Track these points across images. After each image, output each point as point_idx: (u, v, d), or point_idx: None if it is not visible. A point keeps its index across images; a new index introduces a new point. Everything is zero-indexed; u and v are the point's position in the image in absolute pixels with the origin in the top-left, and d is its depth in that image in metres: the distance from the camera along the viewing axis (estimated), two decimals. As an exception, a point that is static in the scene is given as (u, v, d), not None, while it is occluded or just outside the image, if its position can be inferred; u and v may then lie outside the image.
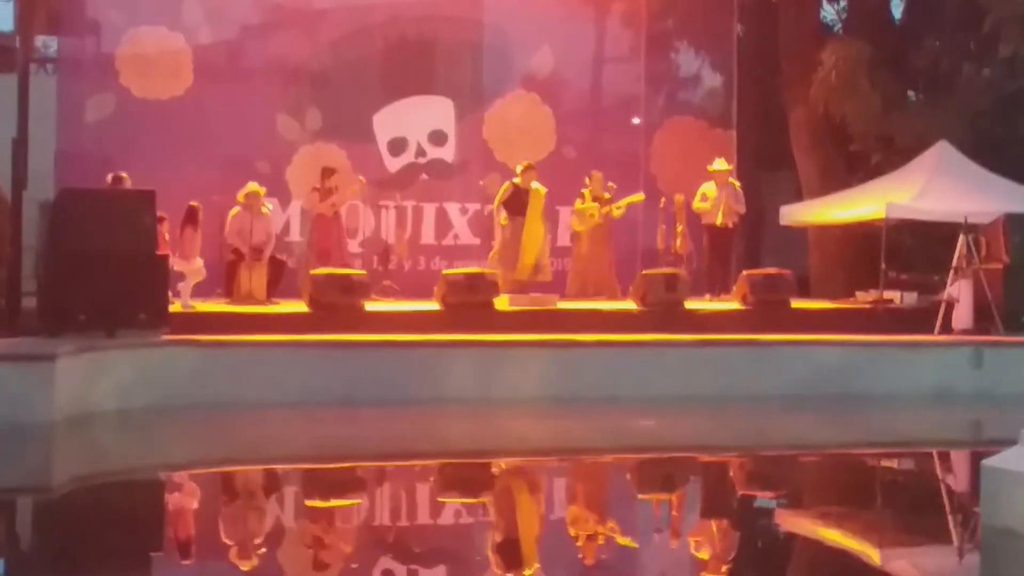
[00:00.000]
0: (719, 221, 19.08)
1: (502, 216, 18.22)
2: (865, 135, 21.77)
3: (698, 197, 19.23)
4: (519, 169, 18.00)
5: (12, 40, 19.75)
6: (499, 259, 17.97)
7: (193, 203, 17.04)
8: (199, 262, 16.84)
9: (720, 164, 19.40)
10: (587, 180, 19.36)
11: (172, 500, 11.10)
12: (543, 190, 17.86)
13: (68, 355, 13.37)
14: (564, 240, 20.35)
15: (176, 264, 16.45)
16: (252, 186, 17.61)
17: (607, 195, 19.20)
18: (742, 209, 19.39)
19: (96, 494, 10.92)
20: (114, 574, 8.31)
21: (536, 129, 20.98)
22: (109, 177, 16.62)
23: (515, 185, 17.82)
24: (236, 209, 17.48)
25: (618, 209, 19.18)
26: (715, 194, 19.12)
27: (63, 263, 14.36)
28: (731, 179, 19.49)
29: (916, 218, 18.62)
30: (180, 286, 16.46)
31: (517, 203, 17.73)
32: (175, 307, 15.77)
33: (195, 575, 8.56)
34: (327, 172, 18.39)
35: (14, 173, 15.83)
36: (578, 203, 19.37)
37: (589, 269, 19.28)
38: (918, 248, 20.59)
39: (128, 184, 16.34)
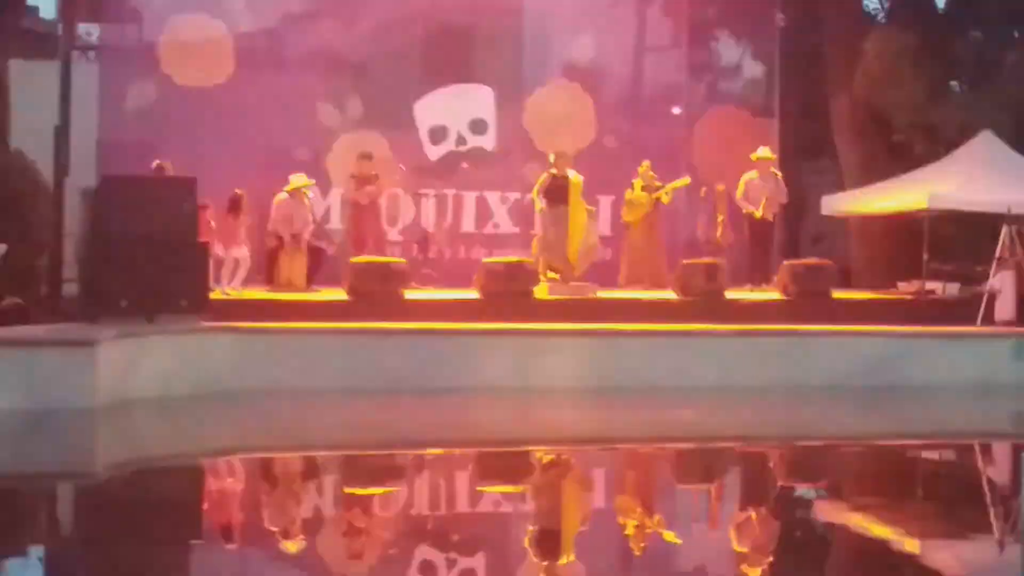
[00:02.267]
0: (759, 213, 18.97)
1: (540, 205, 18.12)
2: (908, 125, 21.62)
3: (741, 188, 19.12)
4: (552, 158, 17.94)
5: (55, 27, 19.90)
6: (542, 248, 17.89)
7: (237, 191, 17.08)
8: (244, 250, 16.88)
9: (764, 152, 19.28)
10: (638, 170, 19.30)
11: (212, 486, 11.14)
12: (580, 178, 17.80)
13: (109, 341, 13.43)
14: (604, 229, 20.28)
15: (220, 251, 16.50)
16: (301, 178, 17.59)
17: (657, 184, 19.14)
18: (784, 199, 19.29)
19: (137, 480, 10.96)
20: (156, 560, 8.33)
21: (577, 118, 20.92)
22: (153, 164, 16.67)
23: (552, 175, 17.76)
24: (282, 196, 17.49)
25: (666, 195, 19.11)
26: (758, 184, 19.01)
27: (105, 249, 14.42)
28: (773, 168, 19.37)
29: (959, 208, 18.47)
30: (223, 272, 16.51)
31: (557, 192, 17.68)
32: (216, 293, 15.82)
33: (236, 561, 8.58)
34: (362, 157, 18.38)
35: (56, 160, 15.93)
36: (628, 193, 19.31)
37: (642, 258, 19.21)
38: (961, 239, 20.42)
39: (170, 172, 16.38)
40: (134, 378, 13.74)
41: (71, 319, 14.59)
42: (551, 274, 17.48)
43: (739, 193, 19.12)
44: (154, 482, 10.90)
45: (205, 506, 10.33)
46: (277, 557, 8.60)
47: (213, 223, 16.54)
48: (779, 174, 19.46)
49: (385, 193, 18.77)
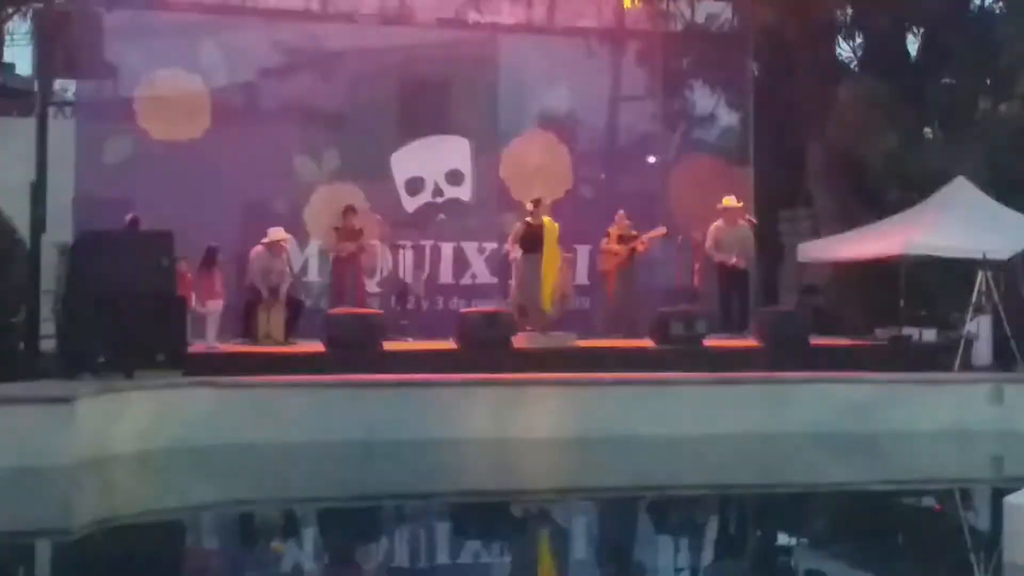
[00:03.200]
0: (731, 261, 18.99)
1: (515, 254, 18.13)
2: (882, 172, 21.72)
3: (709, 237, 19.13)
4: (529, 205, 17.99)
5: (31, 84, 19.95)
6: (519, 297, 17.90)
7: (212, 244, 17.09)
8: (219, 303, 16.87)
9: (730, 201, 19.31)
10: (615, 218, 19.36)
11: (190, 542, 11.10)
12: (555, 225, 17.83)
13: (87, 397, 13.40)
14: (582, 278, 20.33)
15: (197, 306, 16.49)
16: (279, 232, 17.62)
17: (633, 233, 19.20)
18: (750, 248, 19.26)
19: (116, 536, 10.93)
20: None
21: (553, 168, 20.97)
22: (128, 217, 16.66)
23: (527, 223, 17.80)
24: (258, 248, 17.52)
25: (642, 244, 19.17)
26: (725, 232, 19.04)
27: (82, 305, 14.41)
28: (744, 217, 19.41)
29: (935, 254, 18.54)
30: (207, 325, 16.48)
31: (531, 240, 17.71)
32: (196, 347, 15.81)
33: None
34: (349, 211, 18.43)
35: (33, 216, 15.91)
36: (604, 243, 19.37)
37: (618, 307, 19.24)
38: (937, 285, 20.50)
39: (142, 225, 16.37)
40: (112, 434, 13.70)
41: (49, 375, 14.54)
42: (530, 326, 17.47)
43: (709, 242, 19.15)
44: (132, 538, 10.85)
45: (183, 562, 10.29)
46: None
47: (188, 276, 16.52)
48: (752, 221, 19.51)
49: (367, 247, 18.78)
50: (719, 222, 19.15)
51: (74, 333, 14.45)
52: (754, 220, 19.62)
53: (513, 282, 18.34)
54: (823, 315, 20.16)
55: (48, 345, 15.36)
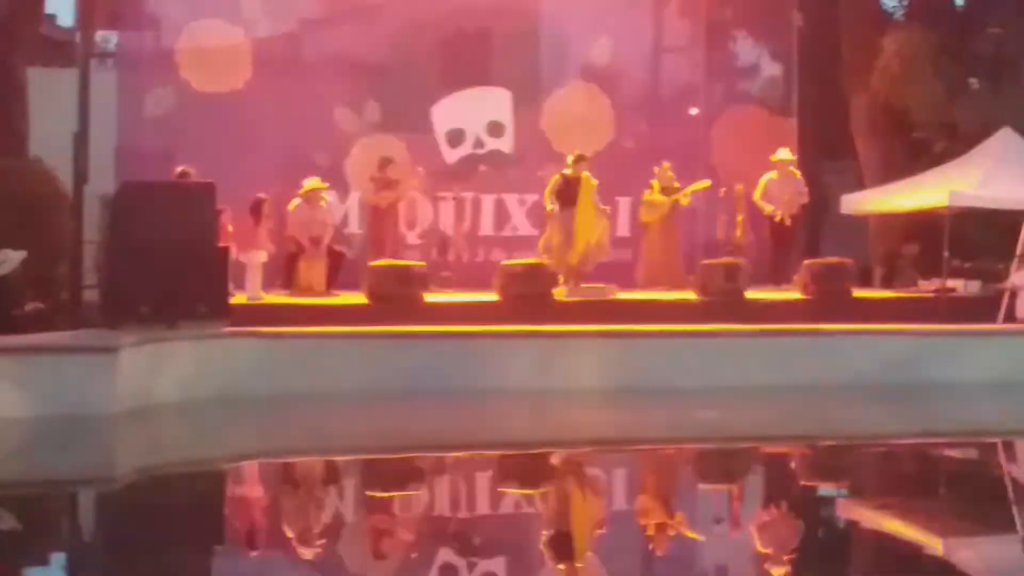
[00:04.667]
0: (780, 214, 18.94)
1: (552, 206, 18.04)
2: (927, 122, 21.56)
3: (760, 189, 19.08)
4: (570, 160, 17.90)
5: (73, 35, 19.97)
6: (550, 249, 17.82)
7: (260, 195, 17.10)
8: (264, 254, 16.89)
9: (783, 154, 19.25)
10: (655, 170, 19.27)
11: (233, 491, 11.15)
12: (593, 181, 17.74)
13: (130, 347, 13.45)
14: (623, 231, 20.27)
15: (240, 257, 16.52)
16: (314, 181, 17.64)
17: (676, 185, 19.11)
18: (805, 199, 19.26)
19: (158, 485, 10.98)
20: (177, 565, 8.34)
21: (594, 120, 20.87)
22: (177, 170, 16.69)
23: (565, 176, 17.72)
24: (296, 201, 17.54)
25: (685, 197, 19.08)
26: (777, 185, 18.98)
27: (124, 256, 14.44)
28: (793, 169, 19.34)
29: (979, 206, 18.39)
30: (248, 277, 16.51)
31: (568, 193, 17.63)
32: (239, 298, 15.85)
33: (257, 566, 8.58)
34: (384, 162, 18.42)
35: (75, 168, 15.98)
36: (646, 194, 19.29)
37: (660, 260, 19.16)
38: (981, 236, 20.34)
39: (193, 178, 16.40)
40: (155, 384, 13.76)
41: (92, 326, 14.62)
42: (562, 278, 17.39)
43: (758, 194, 19.09)
44: (175, 487, 10.92)
45: (226, 511, 10.34)
46: (298, 562, 8.60)
47: (230, 228, 16.54)
48: (799, 175, 19.42)
49: (404, 197, 18.76)
50: (771, 174, 19.07)
51: (117, 284, 14.50)
52: (798, 173, 19.50)
53: (545, 233, 18.23)
54: (863, 267, 20.09)
55: (91, 296, 15.43)
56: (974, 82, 23.23)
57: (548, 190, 17.94)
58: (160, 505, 10.22)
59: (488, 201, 20.65)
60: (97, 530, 9.83)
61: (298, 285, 17.20)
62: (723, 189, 19.83)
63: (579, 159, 17.77)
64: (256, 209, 17.01)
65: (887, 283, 20.24)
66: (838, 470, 12.29)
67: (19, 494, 10.59)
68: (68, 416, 12.65)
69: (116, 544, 9.06)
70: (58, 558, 8.84)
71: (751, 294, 17.49)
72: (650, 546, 9.20)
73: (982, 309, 17.51)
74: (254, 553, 8.92)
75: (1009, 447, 13.53)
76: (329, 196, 18.30)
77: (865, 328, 16.46)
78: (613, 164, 19.66)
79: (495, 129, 20.89)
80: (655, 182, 19.25)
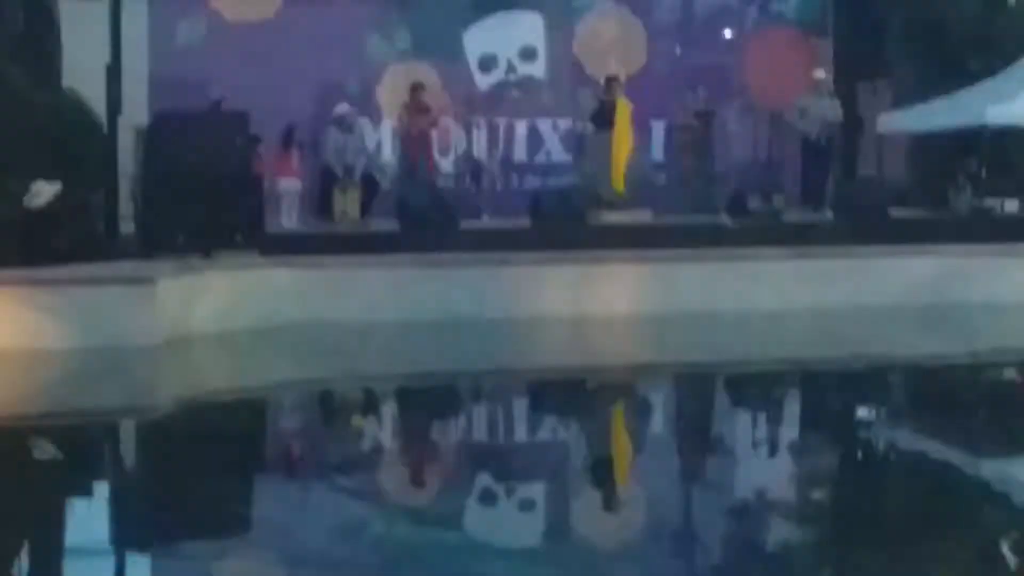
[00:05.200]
0: (815, 136, 18.80)
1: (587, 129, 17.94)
2: (964, 40, 21.28)
3: (796, 110, 18.94)
4: (602, 81, 17.78)
5: (104, -34, 19.86)
6: (589, 173, 17.76)
7: (290, 124, 17.07)
8: (298, 182, 16.88)
9: (818, 74, 19.08)
10: (688, 95, 19.13)
11: (273, 418, 11.22)
12: (629, 105, 17.62)
13: (167, 277, 13.49)
14: (658, 155, 20.19)
15: (274, 186, 16.52)
16: (343, 107, 17.61)
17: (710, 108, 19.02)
18: (839, 120, 19.10)
19: (198, 414, 11.05)
20: (218, 494, 8.39)
21: (627, 42, 20.71)
22: (211, 100, 16.65)
23: (600, 100, 17.60)
24: (329, 128, 17.51)
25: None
26: (812, 106, 18.83)
27: (159, 186, 14.48)
28: (828, 90, 19.18)
29: (1018, 123, 18.21)
30: (285, 205, 16.52)
31: (603, 117, 17.53)
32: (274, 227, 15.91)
33: (297, 493, 8.63)
34: (416, 88, 18.33)
35: (108, 99, 15.94)
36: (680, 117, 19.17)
37: (694, 183, 19.03)
38: (1019, 154, 20.15)
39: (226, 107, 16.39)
40: (192, 314, 13.79)
41: (128, 257, 14.65)
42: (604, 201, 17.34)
43: (794, 115, 18.95)
44: (217, 416, 10.98)
45: (267, 438, 10.41)
46: (338, 489, 8.65)
47: (262, 156, 16.50)
48: (834, 95, 19.26)
49: (437, 124, 18.69)
50: (805, 94, 18.91)
51: (152, 214, 14.54)
52: (833, 94, 19.35)
53: (583, 159, 18.16)
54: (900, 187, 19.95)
55: (127, 227, 15.47)
56: (1012, -1, 22.92)
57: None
58: (200, 434, 10.28)
59: (521, 127, 20.55)
60: (137, 460, 9.91)
61: (333, 213, 17.20)
62: (758, 110, 19.70)
63: (610, 81, 17.65)
64: (287, 138, 16.99)
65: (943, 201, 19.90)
66: (875, 392, 12.26)
67: (60, 424, 10.67)
68: (106, 348, 12.70)
69: (157, 473, 9.12)
70: (100, 487, 8.91)
71: (786, 216, 17.39)
72: (690, 471, 9.22)
73: (1020, 228, 17.36)
74: (294, 480, 8.97)
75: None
76: (361, 123, 18.26)
77: (902, 249, 16.36)
78: (647, 87, 19.53)
79: (527, 54, 20.76)
80: (688, 105, 19.12)
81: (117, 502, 8.45)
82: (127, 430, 10.88)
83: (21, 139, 14.65)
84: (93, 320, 12.94)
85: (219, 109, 16.33)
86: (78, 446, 10.01)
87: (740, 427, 10.95)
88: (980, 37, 20.98)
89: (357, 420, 11.18)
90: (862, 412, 11.59)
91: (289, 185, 16.78)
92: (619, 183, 17.41)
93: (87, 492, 8.70)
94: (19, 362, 12.33)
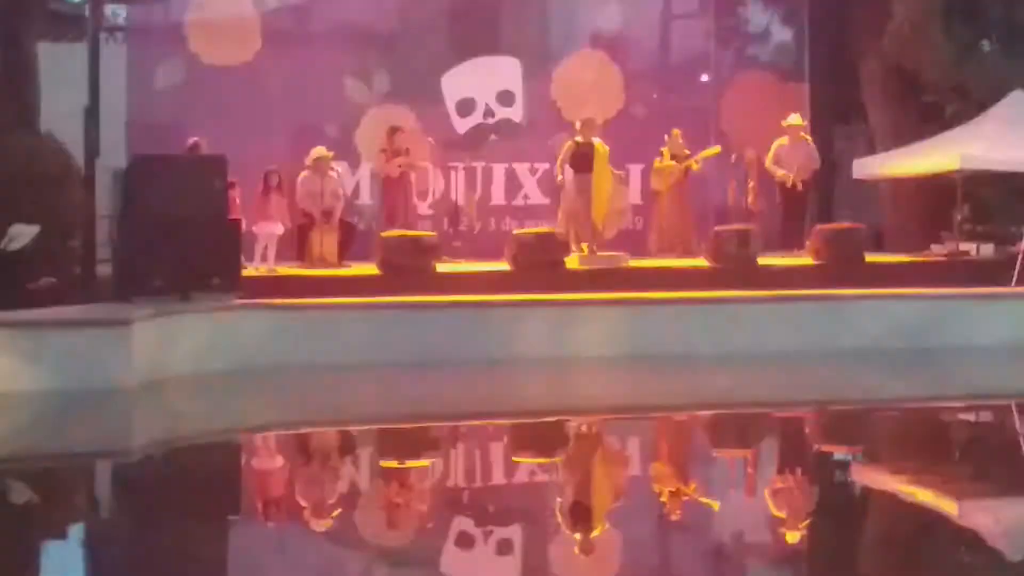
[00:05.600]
0: (791, 181, 18.87)
1: (565, 173, 17.97)
2: (939, 86, 21.45)
3: (771, 154, 19.03)
4: (578, 124, 17.87)
5: (82, 9, 19.91)
6: (568, 217, 17.83)
7: (271, 168, 17.12)
8: (279, 226, 16.90)
9: (794, 119, 19.17)
10: (666, 138, 19.24)
11: (249, 462, 11.20)
12: (606, 147, 17.70)
13: (144, 320, 13.48)
14: (635, 198, 20.25)
15: (253, 229, 16.54)
16: (320, 150, 17.67)
17: (687, 152, 19.07)
18: (816, 165, 19.19)
19: (174, 457, 11.03)
20: (194, 536, 8.37)
21: (604, 87, 20.80)
22: (189, 142, 16.70)
23: (577, 143, 17.68)
24: (305, 173, 17.55)
25: (696, 163, 19.04)
26: (789, 150, 18.91)
27: (137, 229, 14.47)
28: (804, 134, 19.29)
29: (991, 169, 18.35)
30: (263, 249, 16.54)
31: (582, 160, 17.59)
32: (258, 270, 15.92)
33: (274, 537, 8.61)
34: (392, 131, 18.36)
35: (86, 142, 16.00)
36: (657, 161, 19.26)
37: (672, 227, 19.11)
38: (994, 199, 20.29)
39: (204, 149, 16.40)
40: (169, 356, 13.80)
41: (105, 300, 14.65)
42: (583, 246, 17.40)
43: (769, 160, 19.04)
44: (191, 459, 10.95)
45: (242, 482, 10.38)
46: (315, 532, 8.64)
47: (238, 200, 16.52)
48: (810, 140, 19.38)
49: (416, 167, 18.73)
50: (782, 139, 19.01)
51: (130, 257, 14.53)
52: (810, 139, 19.45)
53: (563, 201, 18.22)
54: (875, 232, 20.06)
55: (104, 269, 15.46)
56: (985, 44, 23.12)
57: (561, 159, 17.90)
58: (176, 477, 10.26)
59: (499, 170, 20.61)
60: (114, 502, 9.87)
61: (310, 257, 17.22)
62: (734, 155, 19.81)
63: (587, 123, 17.74)
64: (266, 183, 17.03)
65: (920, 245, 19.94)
66: (852, 435, 12.30)
67: (35, 467, 10.65)
68: (83, 390, 12.70)
69: (132, 516, 9.09)
70: (75, 530, 8.87)
71: (763, 260, 17.46)
72: (665, 513, 9.23)
73: (996, 272, 17.47)
74: (269, 524, 8.95)
75: (1022, 410, 13.52)
76: (339, 166, 18.34)
77: (878, 293, 16.45)
78: (624, 132, 19.64)
79: (505, 98, 20.84)
80: (666, 149, 19.21)
81: (91, 546, 8.41)
82: (102, 473, 10.84)
83: (-1, 182, 14.68)
84: (69, 362, 12.93)
85: (197, 152, 16.34)
86: (52, 489, 9.97)
87: (714, 470, 10.98)
88: (955, 82, 21.16)
89: (331, 462, 11.17)
90: (837, 454, 11.63)
91: (268, 229, 16.79)
92: (600, 223, 17.46)
93: (61, 535, 8.65)
94: (-6, 405, 12.30)
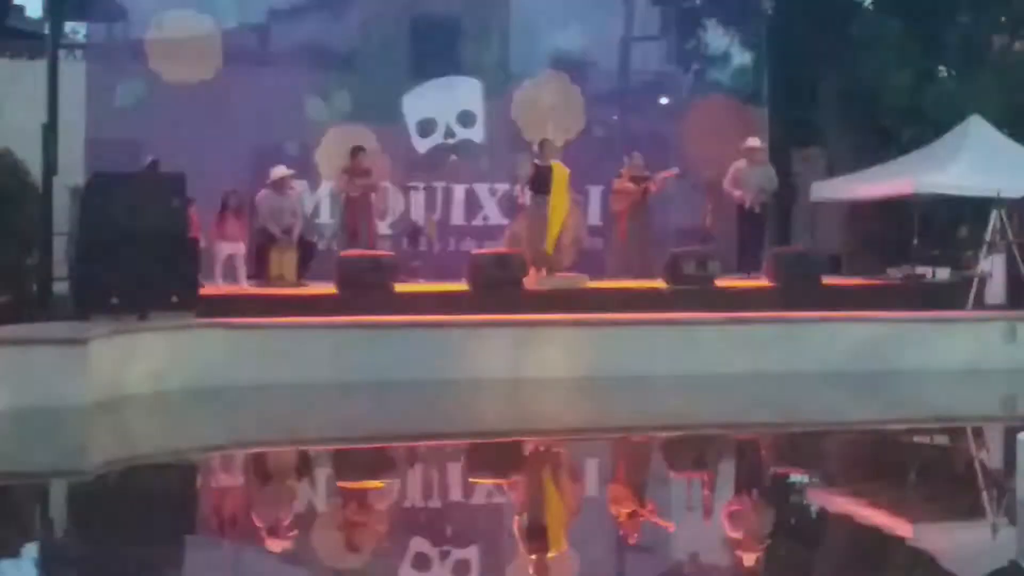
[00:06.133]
0: (749, 204, 18.97)
1: (526, 197, 18.01)
2: (896, 110, 21.63)
3: (729, 177, 19.12)
4: (535, 147, 17.92)
5: (41, 27, 19.87)
6: (522, 238, 17.84)
7: (228, 188, 17.09)
8: (241, 246, 16.89)
9: (753, 142, 19.29)
10: (625, 160, 19.31)
11: (205, 482, 11.15)
12: (566, 170, 17.74)
13: (101, 338, 13.42)
14: (594, 219, 20.31)
15: (212, 248, 16.51)
16: (280, 169, 17.65)
17: (646, 173, 19.14)
18: (774, 188, 19.29)
19: (130, 476, 10.97)
20: (149, 556, 8.33)
21: (565, 109, 20.86)
22: (148, 160, 16.65)
23: (536, 165, 17.71)
24: (264, 191, 17.53)
25: (655, 185, 19.10)
26: (747, 173, 19.01)
27: (95, 247, 14.42)
28: (763, 158, 19.39)
29: (948, 193, 18.49)
30: (222, 268, 16.52)
31: (540, 182, 17.62)
32: (209, 289, 15.88)
33: (229, 556, 8.58)
34: (357, 151, 18.37)
35: (44, 159, 15.91)
36: (616, 183, 19.33)
37: (630, 248, 19.18)
38: (950, 223, 20.46)
39: (163, 169, 16.38)
40: (126, 375, 13.74)
41: (62, 317, 14.57)
42: (534, 268, 17.40)
43: (728, 182, 19.13)
44: (147, 479, 10.90)
45: (198, 502, 10.34)
46: (271, 552, 8.61)
47: (196, 218, 16.49)
48: (768, 163, 19.48)
49: (377, 187, 18.72)
50: (741, 162, 19.11)
51: (87, 275, 14.47)
52: (768, 162, 19.56)
53: (520, 223, 18.25)
54: (832, 255, 20.17)
55: (61, 287, 15.39)
56: (943, 70, 23.33)
57: (523, 181, 17.91)
58: (131, 497, 10.21)
59: (459, 191, 20.62)
60: (69, 521, 9.81)
61: (269, 275, 17.18)
62: (693, 178, 19.88)
63: (543, 143, 17.78)
64: (224, 202, 17.02)
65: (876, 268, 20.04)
66: (808, 457, 12.35)
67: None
68: (39, 408, 12.61)
69: (87, 536, 9.04)
70: (29, 550, 8.81)
71: (721, 282, 17.53)
72: (623, 535, 9.24)
73: (952, 296, 17.59)
74: (226, 544, 8.91)
75: (978, 433, 13.60)
76: (299, 185, 18.32)
77: (835, 315, 16.53)
78: (584, 153, 19.69)
79: (466, 119, 20.87)
80: (625, 171, 19.29)
81: (44, 566, 8.35)
82: (57, 492, 10.77)
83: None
84: (25, 381, 12.84)
85: (156, 170, 16.30)
86: (5, 508, 9.90)
87: (673, 491, 11.00)
88: (912, 108, 21.33)
89: (288, 482, 11.14)
90: (792, 476, 11.67)
91: (227, 248, 16.76)
92: (551, 247, 17.45)
93: (15, 555, 8.58)
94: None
